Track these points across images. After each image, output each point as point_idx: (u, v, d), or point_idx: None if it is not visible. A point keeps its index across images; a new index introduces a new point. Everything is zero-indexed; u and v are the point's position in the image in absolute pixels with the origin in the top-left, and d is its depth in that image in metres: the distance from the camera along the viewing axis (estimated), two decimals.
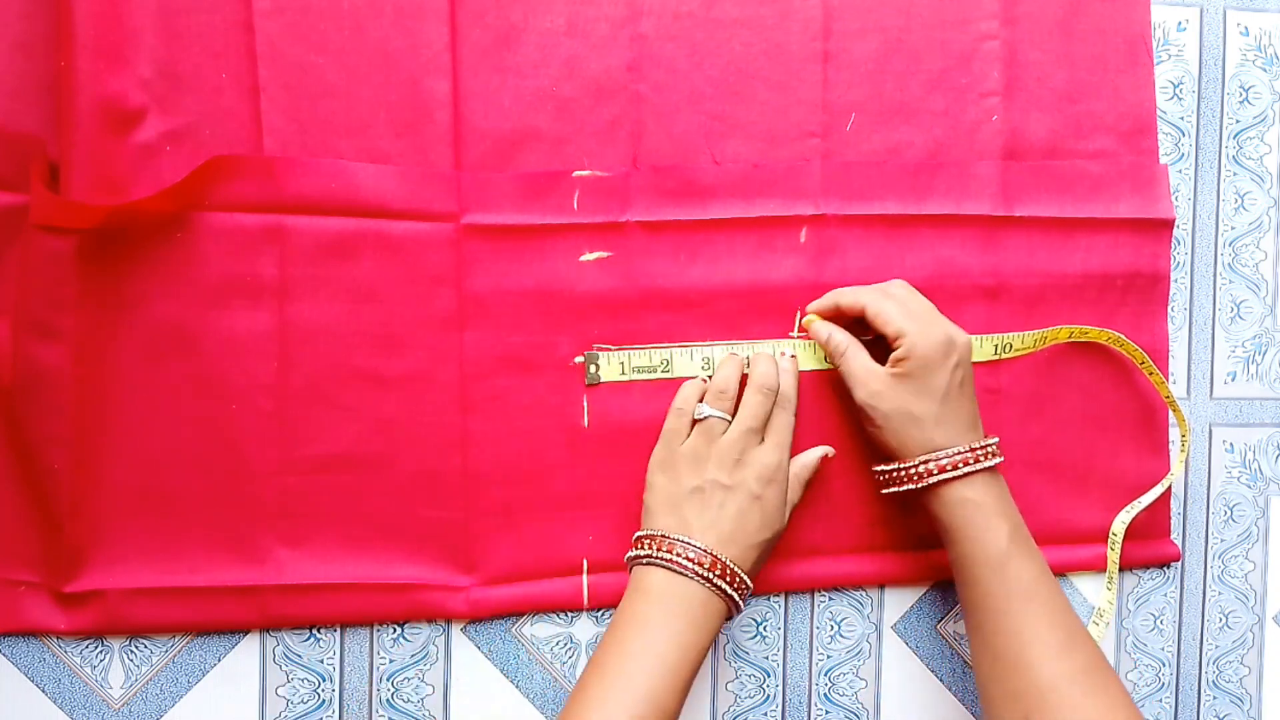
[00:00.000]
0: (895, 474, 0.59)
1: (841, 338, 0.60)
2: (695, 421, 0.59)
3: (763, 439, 0.59)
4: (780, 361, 0.61)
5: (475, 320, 0.61)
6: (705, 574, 0.54)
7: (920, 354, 0.57)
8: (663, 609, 0.54)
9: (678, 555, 0.55)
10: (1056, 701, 0.52)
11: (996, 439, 0.58)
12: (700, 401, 0.60)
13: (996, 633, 0.55)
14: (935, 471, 0.57)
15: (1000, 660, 0.54)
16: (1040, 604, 0.54)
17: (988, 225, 0.64)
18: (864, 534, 0.65)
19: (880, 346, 0.60)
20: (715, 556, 0.55)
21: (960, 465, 0.56)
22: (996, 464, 0.57)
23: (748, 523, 0.57)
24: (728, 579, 0.55)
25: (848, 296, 0.60)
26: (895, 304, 0.58)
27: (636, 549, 0.57)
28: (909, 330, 0.57)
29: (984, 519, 0.56)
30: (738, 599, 0.56)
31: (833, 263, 0.63)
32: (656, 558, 0.55)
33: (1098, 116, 0.65)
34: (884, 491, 0.60)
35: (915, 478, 0.57)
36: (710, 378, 0.62)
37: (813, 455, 0.62)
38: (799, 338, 0.63)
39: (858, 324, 0.61)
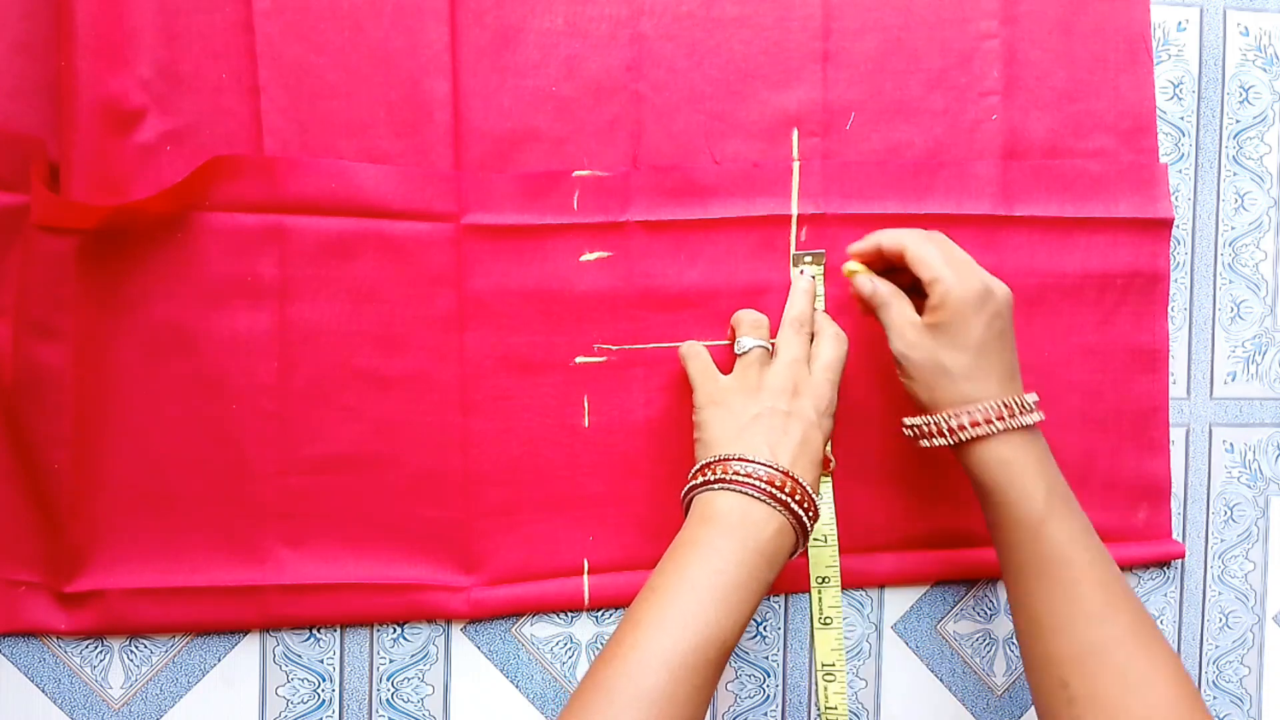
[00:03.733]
0: (923, 428, 0.56)
1: (885, 289, 0.58)
2: (735, 356, 0.58)
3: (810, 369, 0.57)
4: (804, 283, 0.61)
5: (476, 320, 0.61)
6: (775, 491, 0.51)
7: (954, 302, 0.54)
8: (727, 531, 0.51)
9: (748, 476, 0.52)
10: (1095, 667, 0.50)
11: (1036, 395, 0.55)
12: (737, 338, 0.59)
13: (1032, 596, 0.53)
14: (967, 426, 0.54)
15: (1036, 624, 0.53)
16: (1080, 568, 0.52)
17: (988, 224, 0.64)
18: (864, 534, 0.65)
19: (918, 292, 0.58)
20: (788, 474, 0.52)
21: (993, 420, 0.54)
22: (1036, 421, 0.55)
23: (811, 449, 0.54)
24: (797, 498, 0.52)
25: (889, 237, 0.58)
26: (936, 248, 0.56)
27: (696, 479, 0.54)
28: (945, 277, 0.55)
29: (1020, 479, 0.54)
30: (806, 522, 0.53)
31: (833, 263, 0.63)
32: (723, 481, 0.52)
33: (1098, 116, 0.65)
34: (921, 444, 0.57)
35: (945, 432, 0.55)
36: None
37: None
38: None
39: (891, 272, 0.59)
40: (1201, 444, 0.69)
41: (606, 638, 0.63)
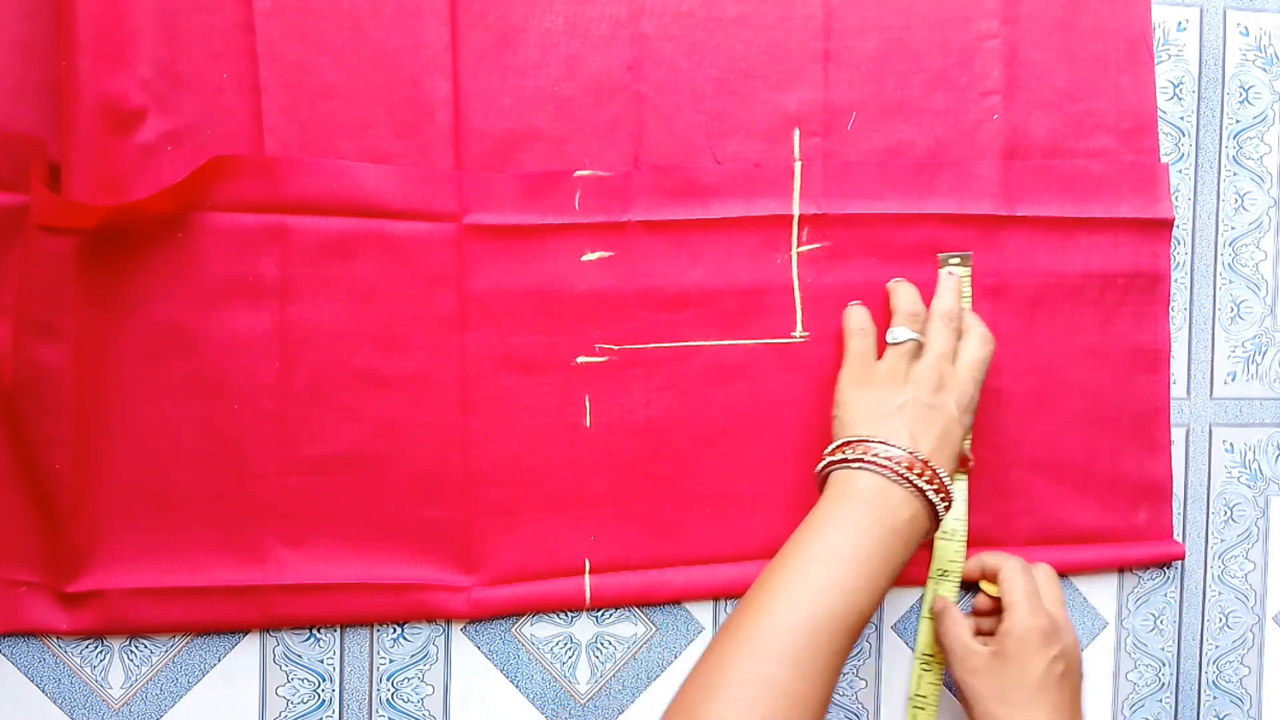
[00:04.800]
0: None
1: (954, 621, 0.61)
2: (887, 344, 0.60)
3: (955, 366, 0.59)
4: (952, 281, 0.62)
5: (476, 320, 0.61)
6: (913, 477, 0.53)
7: (1018, 633, 0.57)
8: (866, 509, 0.53)
9: (888, 459, 0.54)
10: None
11: None
12: (893, 326, 0.60)
13: None
14: None
15: None
16: None
17: (989, 224, 0.64)
18: None
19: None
20: (926, 462, 0.54)
21: None
22: None
23: (951, 440, 0.56)
24: (934, 486, 0.54)
25: (992, 560, 0.62)
26: (1023, 579, 0.59)
27: (834, 455, 0.56)
28: (1018, 604, 0.58)
29: None
30: (940, 510, 0.54)
31: (834, 262, 0.63)
32: (862, 461, 0.54)
33: (1099, 115, 0.65)
34: None
35: None
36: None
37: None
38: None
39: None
40: (1201, 444, 0.69)
41: (607, 638, 0.63)
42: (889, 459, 0.54)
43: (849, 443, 0.56)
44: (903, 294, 0.61)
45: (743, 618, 0.51)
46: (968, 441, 0.61)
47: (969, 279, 0.64)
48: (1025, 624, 0.57)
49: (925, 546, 0.62)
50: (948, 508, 0.55)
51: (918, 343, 0.59)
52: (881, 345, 0.60)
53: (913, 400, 0.56)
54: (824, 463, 0.57)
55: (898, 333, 0.59)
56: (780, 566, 0.52)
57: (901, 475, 0.53)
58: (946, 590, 0.63)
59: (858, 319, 0.61)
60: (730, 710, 0.47)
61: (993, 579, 0.61)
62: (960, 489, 0.64)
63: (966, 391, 0.58)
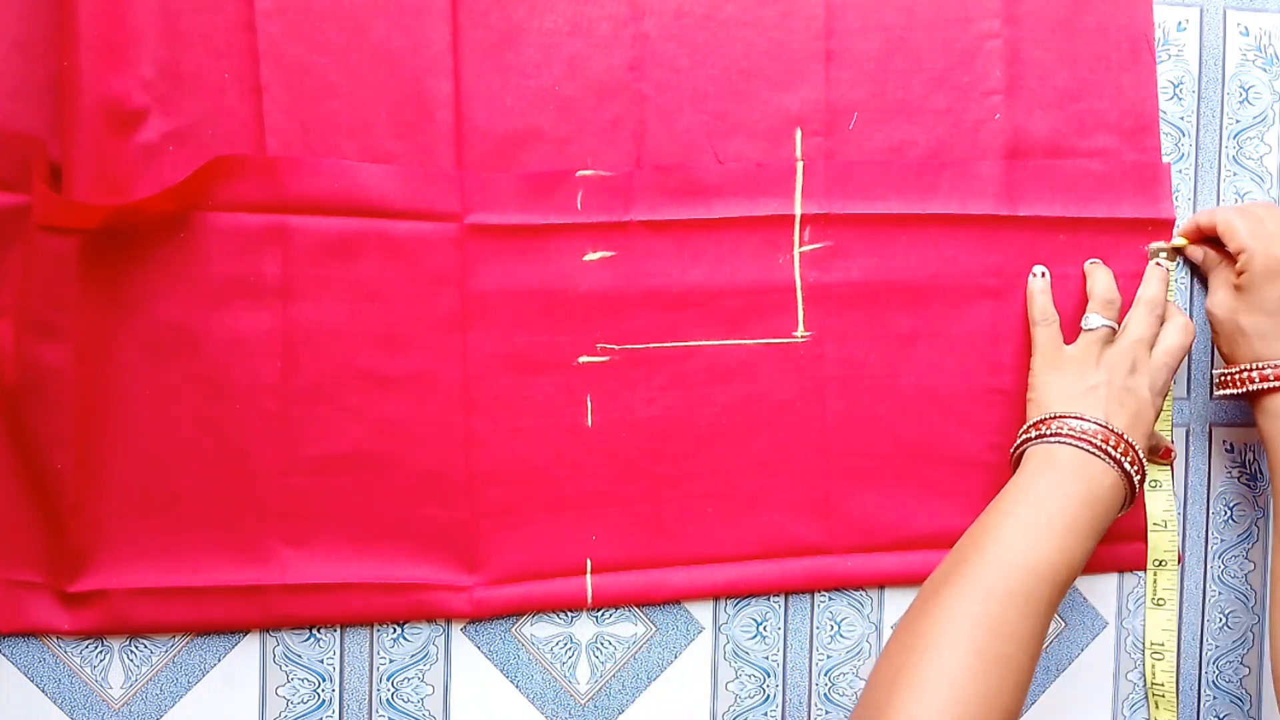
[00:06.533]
0: (1223, 378, 0.63)
1: (1213, 256, 0.65)
2: (1081, 330, 0.62)
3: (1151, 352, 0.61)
4: (1160, 271, 0.64)
5: (478, 320, 0.61)
6: (1110, 450, 0.55)
7: (1254, 269, 0.60)
8: (1069, 476, 0.55)
9: (1085, 433, 0.56)
10: None
11: None
12: (1088, 313, 0.62)
13: None
14: (1256, 379, 0.60)
15: None
16: None
17: (990, 224, 0.64)
18: (863, 534, 0.65)
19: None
20: (1122, 435, 0.56)
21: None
22: None
23: (1144, 421, 0.59)
24: (1129, 458, 0.56)
25: (1204, 215, 0.64)
26: (1243, 220, 0.61)
27: (1029, 433, 0.59)
28: (1249, 246, 0.60)
29: None
30: (1135, 483, 0.57)
31: (836, 263, 0.63)
32: (1059, 435, 0.56)
33: (1100, 115, 0.66)
34: (1217, 395, 0.64)
35: (1238, 382, 0.61)
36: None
37: (1164, 439, 0.66)
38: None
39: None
40: (1201, 444, 0.69)
41: (607, 638, 0.63)
42: (1085, 433, 0.56)
43: (1045, 419, 0.58)
44: (1100, 280, 0.63)
45: (963, 563, 0.53)
46: (1168, 434, 0.65)
47: (1177, 268, 0.66)
48: (1260, 259, 0.60)
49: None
50: (1142, 480, 0.57)
51: (1111, 329, 0.61)
52: (1071, 332, 0.62)
53: (1106, 382, 0.59)
54: (1020, 440, 0.59)
55: (1092, 319, 0.61)
56: (992, 522, 0.54)
57: (1099, 448, 0.55)
58: (1164, 579, 0.66)
59: (1040, 308, 0.63)
60: (965, 646, 0.49)
61: (1212, 234, 0.64)
62: (1165, 478, 0.66)
63: (1160, 377, 0.61)
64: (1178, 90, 0.68)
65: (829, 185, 0.63)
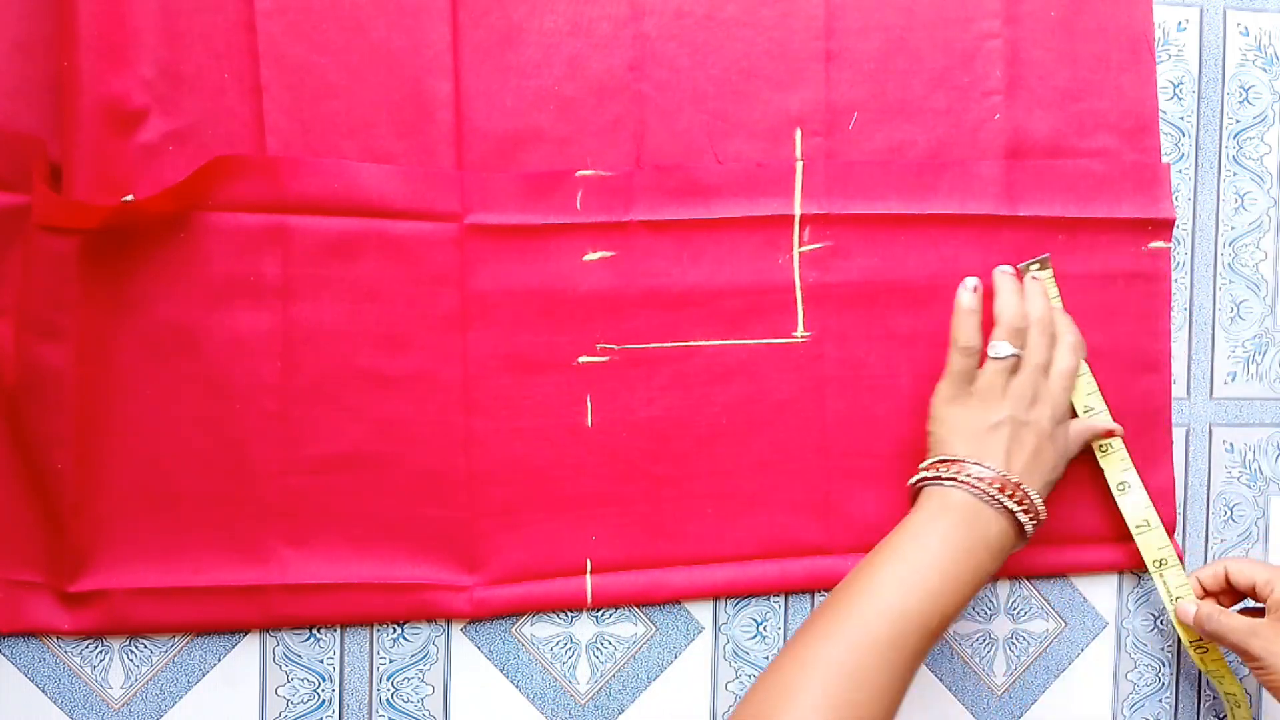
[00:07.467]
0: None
1: (1242, 624, 0.61)
2: (986, 358, 0.60)
3: (1048, 377, 0.60)
4: (1038, 286, 0.63)
5: (478, 320, 0.61)
6: (1006, 500, 0.55)
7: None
8: (959, 523, 0.55)
9: (980, 479, 0.56)
10: None
11: None
12: (996, 340, 0.60)
13: None
14: None
15: None
16: None
17: (990, 225, 0.64)
18: (863, 534, 0.65)
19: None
20: (1018, 484, 0.56)
21: None
22: None
23: (1044, 459, 0.58)
24: (1024, 506, 0.56)
25: (1236, 568, 0.63)
26: (1267, 571, 0.61)
27: (928, 472, 0.58)
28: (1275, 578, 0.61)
29: None
30: (1028, 526, 0.57)
31: (836, 263, 0.63)
32: (957, 479, 0.56)
33: (1100, 115, 0.66)
34: None
35: None
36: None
37: (1099, 424, 0.64)
38: None
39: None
40: (1201, 444, 0.69)
41: (607, 638, 0.63)
42: (981, 479, 0.56)
43: (946, 461, 0.57)
44: (1008, 302, 0.61)
45: (834, 607, 0.53)
46: (1104, 414, 0.64)
47: (1052, 280, 0.64)
48: None
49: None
50: (1036, 525, 0.57)
51: (1018, 357, 0.60)
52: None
53: (1010, 419, 0.58)
54: (918, 477, 0.59)
55: (1001, 347, 0.60)
56: (873, 565, 0.54)
57: (993, 497, 0.55)
58: (1172, 577, 0.65)
59: (966, 335, 0.60)
60: (818, 692, 0.49)
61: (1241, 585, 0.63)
62: (1133, 478, 0.65)
63: (1060, 403, 0.60)
64: (1178, 90, 0.68)
65: (829, 185, 0.63)
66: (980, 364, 0.60)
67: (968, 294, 0.61)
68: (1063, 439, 0.60)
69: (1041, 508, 0.57)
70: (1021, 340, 0.60)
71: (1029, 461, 0.57)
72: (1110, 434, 0.64)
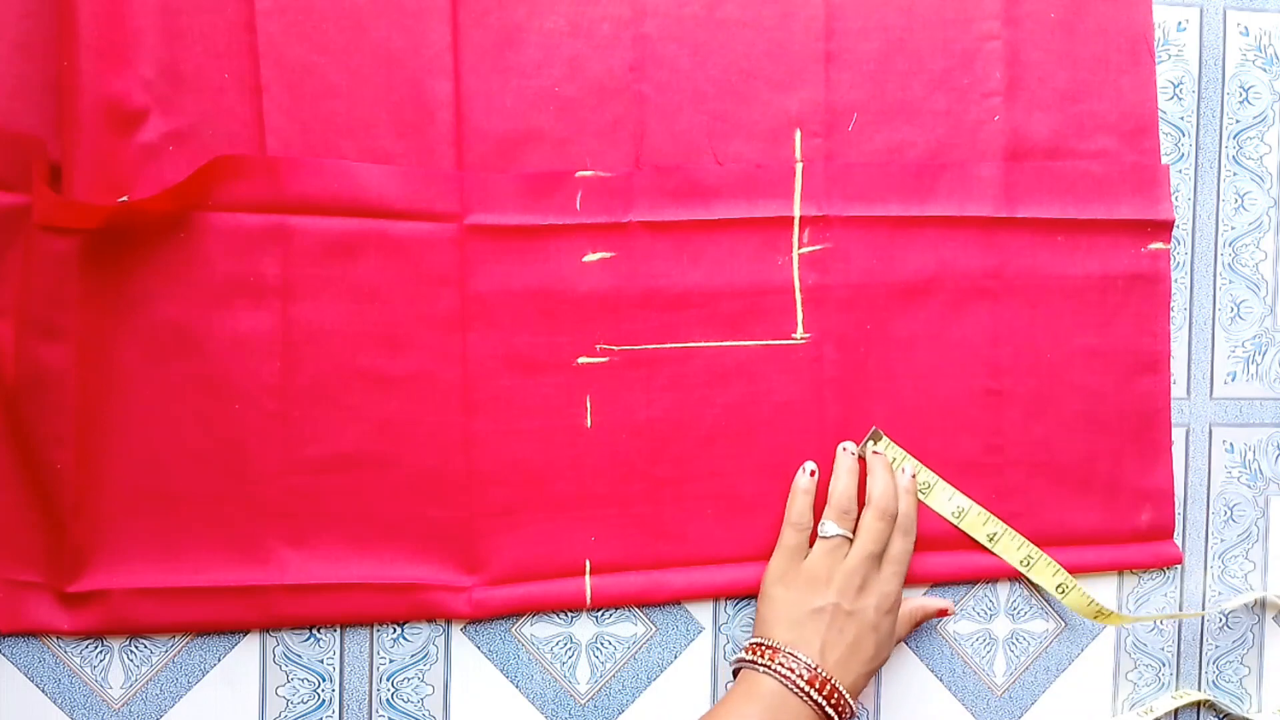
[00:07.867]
0: None
1: None
2: (816, 537, 0.60)
3: (880, 564, 0.60)
4: (900, 479, 0.62)
5: (478, 320, 0.61)
6: (814, 694, 0.55)
7: None
8: (763, 709, 0.55)
9: (791, 670, 0.56)
10: None
11: None
12: (825, 519, 0.61)
13: None
14: None
15: None
16: None
17: (990, 226, 0.64)
18: None
19: None
20: (828, 679, 0.56)
21: None
22: None
23: (862, 650, 0.58)
24: (833, 701, 0.56)
25: None
26: None
27: (749, 654, 0.58)
28: None
29: None
30: (835, 718, 0.57)
31: (835, 264, 0.63)
32: (770, 667, 0.56)
33: (1099, 116, 0.66)
34: None
35: None
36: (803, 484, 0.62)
37: (931, 604, 0.64)
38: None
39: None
40: (1201, 444, 0.69)
41: (607, 638, 0.63)
42: (792, 670, 0.56)
43: (763, 646, 0.58)
44: (841, 481, 0.62)
45: None
46: (903, 629, 0.63)
47: (894, 445, 0.64)
48: None
49: None
50: (847, 717, 0.57)
51: (846, 539, 0.60)
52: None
53: (833, 606, 0.58)
54: (736, 657, 0.59)
55: (827, 527, 0.60)
56: None
57: (802, 691, 0.55)
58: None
59: (798, 512, 0.61)
60: None
61: None
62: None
63: (890, 592, 0.60)
64: (1178, 90, 0.68)
65: (828, 187, 0.63)
66: (811, 542, 0.61)
67: (804, 476, 0.62)
68: (888, 627, 0.60)
69: (852, 703, 0.57)
70: (851, 523, 0.61)
71: (845, 653, 0.57)
72: (943, 613, 0.65)
